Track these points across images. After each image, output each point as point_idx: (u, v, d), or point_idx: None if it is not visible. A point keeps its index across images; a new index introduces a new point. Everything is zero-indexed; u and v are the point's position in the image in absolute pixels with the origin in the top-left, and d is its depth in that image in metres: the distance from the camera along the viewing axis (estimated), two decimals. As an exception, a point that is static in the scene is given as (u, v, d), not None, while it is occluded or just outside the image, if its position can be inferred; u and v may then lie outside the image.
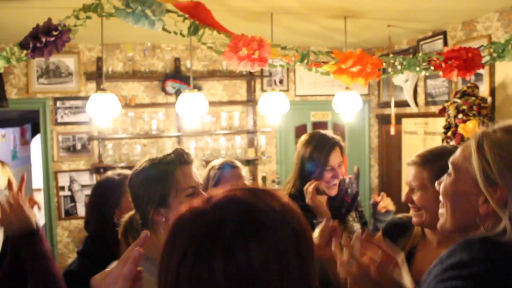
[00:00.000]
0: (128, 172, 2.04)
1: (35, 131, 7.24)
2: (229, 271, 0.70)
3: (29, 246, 1.45)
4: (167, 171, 1.48)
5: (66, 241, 4.64)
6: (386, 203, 2.35)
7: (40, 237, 1.48)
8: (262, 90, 4.98)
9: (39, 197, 5.94)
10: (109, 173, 2.11)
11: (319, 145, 2.23)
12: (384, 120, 5.17)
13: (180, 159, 1.52)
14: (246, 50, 2.76)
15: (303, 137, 2.37)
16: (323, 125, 5.33)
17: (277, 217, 0.75)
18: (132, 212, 1.56)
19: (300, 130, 5.30)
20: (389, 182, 5.10)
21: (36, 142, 7.05)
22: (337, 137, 2.29)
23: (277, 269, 0.71)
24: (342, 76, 3.08)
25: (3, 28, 3.67)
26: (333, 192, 2.21)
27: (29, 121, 7.73)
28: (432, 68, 3.02)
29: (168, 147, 4.77)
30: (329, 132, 2.36)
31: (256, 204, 0.77)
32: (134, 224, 1.53)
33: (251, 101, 4.94)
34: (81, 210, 4.63)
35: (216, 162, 2.59)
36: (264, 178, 5.04)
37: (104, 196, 1.97)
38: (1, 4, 3.09)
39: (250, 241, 0.71)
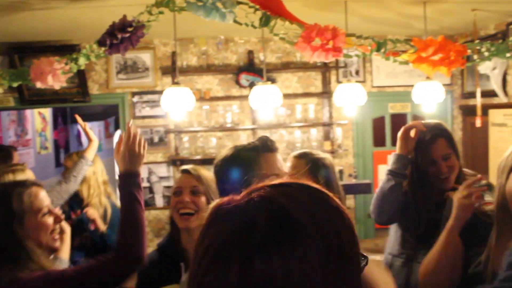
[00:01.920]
0: None
1: (118, 124, 7.56)
2: (244, 279, 0.64)
3: (126, 185, 1.72)
4: (250, 157, 1.48)
5: (145, 231, 4.78)
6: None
7: (137, 182, 1.75)
8: (338, 81, 4.84)
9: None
10: None
11: (420, 137, 2.11)
12: (468, 111, 4.85)
13: (263, 146, 1.52)
14: (320, 40, 2.67)
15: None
16: (402, 117, 5.11)
17: (313, 229, 0.67)
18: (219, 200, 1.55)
19: (377, 122, 5.12)
20: (474, 177, 4.79)
21: (118, 135, 7.36)
22: (442, 126, 2.16)
23: (299, 284, 0.64)
24: (422, 65, 2.90)
25: (83, 28, 3.83)
26: (446, 185, 2.06)
27: (112, 115, 8.10)
28: (525, 54, 2.76)
29: (243, 140, 4.78)
30: (433, 121, 2.19)
31: (294, 211, 0.69)
32: None
33: (326, 93, 4.82)
34: (159, 201, 4.77)
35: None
36: (341, 172, 4.91)
37: None
38: (80, 5, 3.21)
39: (274, 252, 0.65)
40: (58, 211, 1.73)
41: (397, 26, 4.34)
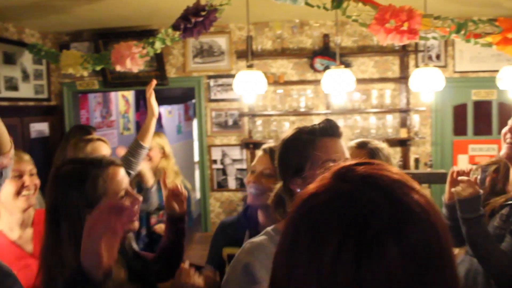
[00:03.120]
0: None
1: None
2: (405, 254, 0.64)
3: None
4: (306, 140, 1.46)
5: (217, 211, 4.92)
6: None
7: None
8: (416, 66, 4.64)
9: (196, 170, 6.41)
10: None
11: None
12: (563, 98, 4.49)
13: (325, 130, 1.48)
14: (394, 22, 2.58)
15: None
16: (486, 104, 4.82)
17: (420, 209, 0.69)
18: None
19: (459, 110, 4.87)
20: None
21: (196, 119, 7.60)
22: None
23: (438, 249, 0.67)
24: (508, 47, 2.72)
25: (161, 13, 3.95)
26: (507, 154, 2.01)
27: (191, 99, 8.32)
28: None
29: (316, 125, 4.73)
30: None
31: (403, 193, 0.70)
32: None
33: (404, 78, 4.65)
34: (232, 183, 4.86)
35: None
36: (416, 160, 4.75)
37: None
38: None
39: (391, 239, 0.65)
40: (135, 192, 1.62)
41: (484, 6, 4.07)
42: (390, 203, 0.67)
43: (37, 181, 2.18)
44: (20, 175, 2.11)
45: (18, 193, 2.09)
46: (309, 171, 1.44)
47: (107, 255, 1.07)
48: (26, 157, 2.19)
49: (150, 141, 2.91)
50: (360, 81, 4.44)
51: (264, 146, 2.15)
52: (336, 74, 3.18)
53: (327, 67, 4.42)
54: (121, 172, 1.59)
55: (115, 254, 1.10)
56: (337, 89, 3.24)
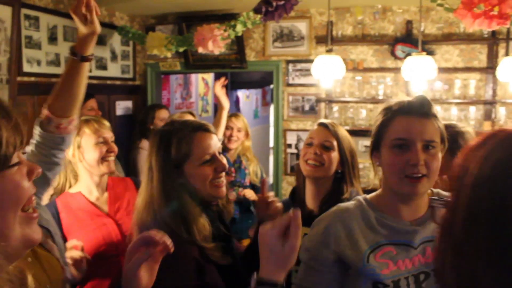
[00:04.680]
0: None
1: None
2: None
3: None
4: (388, 116, 1.45)
5: (289, 196, 4.96)
6: None
7: None
8: (507, 55, 4.39)
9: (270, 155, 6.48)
10: None
11: None
12: None
13: (408, 107, 1.42)
14: (483, 6, 2.47)
15: None
16: None
17: None
18: None
19: (551, 103, 4.56)
20: None
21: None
22: None
23: None
24: None
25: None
26: None
27: (269, 83, 8.40)
28: None
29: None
30: None
31: None
32: None
33: (491, 68, 4.41)
34: (305, 169, 4.88)
35: None
36: (500, 155, 4.52)
37: None
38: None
39: None
40: (223, 160, 1.66)
41: None
42: None
43: (116, 148, 2.33)
44: (104, 142, 2.27)
45: (103, 158, 2.25)
46: (383, 148, 1.44)
47: (147, 276, 1.11)
48: (107, 123, 2.35)
49: (222, 133, 3.47)
50: (443, 70, 4.28)
51: (321, 120, 2.16)
52: (417, 61, 3.11)
53: (408, 55, 4.30)
54: (210, 138, 1.64)
55: (154, 276, 1.13)
56: (417, 76, 3.17)
